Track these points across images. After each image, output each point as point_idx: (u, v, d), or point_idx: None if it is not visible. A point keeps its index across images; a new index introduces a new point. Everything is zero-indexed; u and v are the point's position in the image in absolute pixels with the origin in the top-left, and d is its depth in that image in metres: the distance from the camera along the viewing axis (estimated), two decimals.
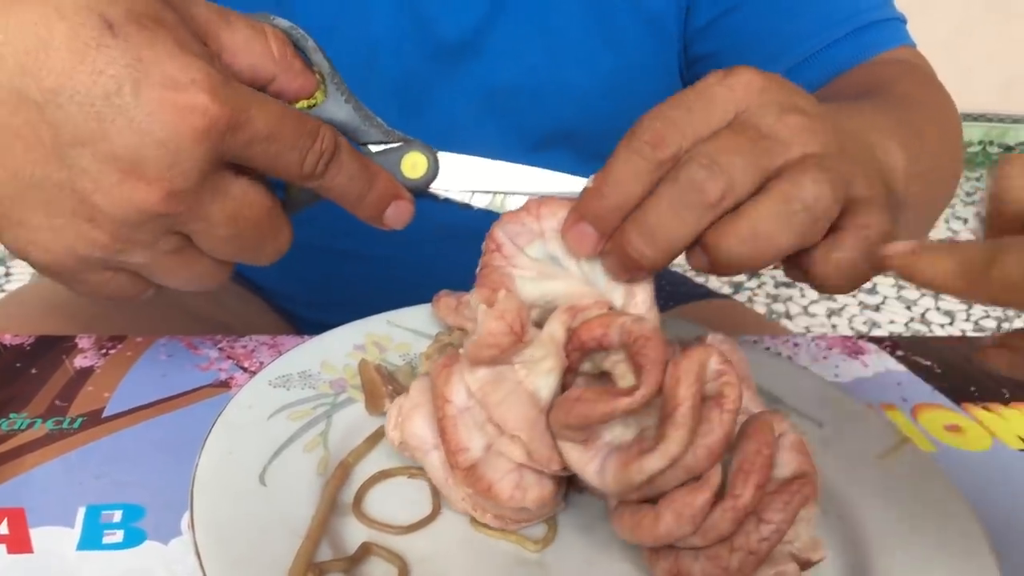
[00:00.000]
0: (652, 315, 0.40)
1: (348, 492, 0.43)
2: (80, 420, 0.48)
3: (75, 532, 0.41)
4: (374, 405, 0.47)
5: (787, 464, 0.37)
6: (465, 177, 0.45)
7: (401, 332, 0.54)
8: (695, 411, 0.35)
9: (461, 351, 0.39)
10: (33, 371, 0.51)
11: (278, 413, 0.45)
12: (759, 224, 0.37)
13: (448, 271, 0.54)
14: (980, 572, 0.41)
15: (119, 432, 0.47)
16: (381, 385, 0.47)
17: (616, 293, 0.41)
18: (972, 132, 3.39)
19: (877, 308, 2.30)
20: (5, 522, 0.41)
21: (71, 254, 0.38)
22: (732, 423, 0.35)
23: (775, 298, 2.28)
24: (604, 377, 0.39)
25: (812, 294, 2.32)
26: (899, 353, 0.65)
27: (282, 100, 0.42)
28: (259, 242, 0.41)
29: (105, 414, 0.48)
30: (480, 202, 0.45)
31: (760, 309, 2.22)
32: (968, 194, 3.15)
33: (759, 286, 2.32)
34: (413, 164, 0.44)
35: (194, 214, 0.38)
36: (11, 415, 0.47)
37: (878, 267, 0.37)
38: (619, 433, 0.38)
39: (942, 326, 2.25)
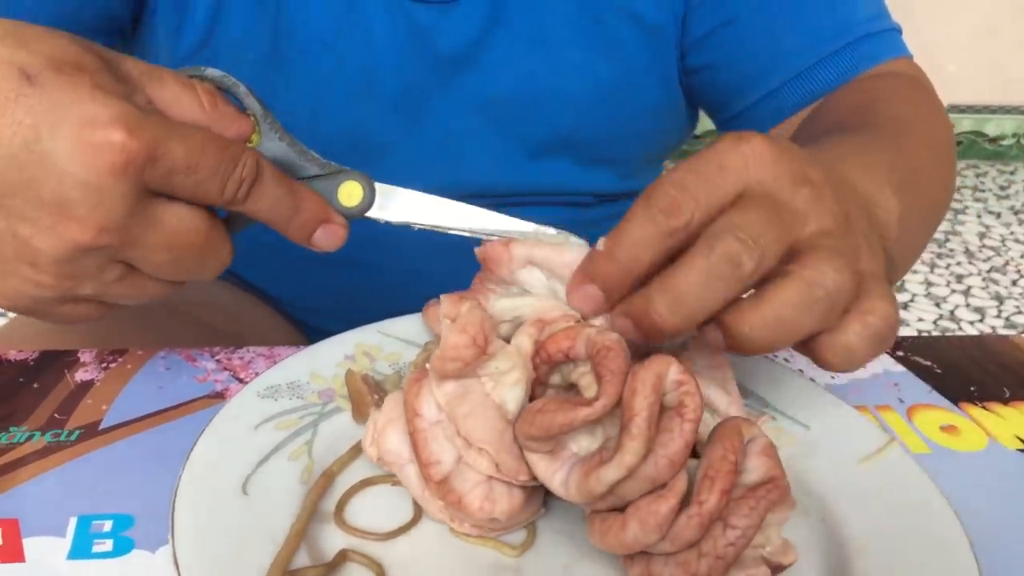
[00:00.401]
0: None
1: (331, 500, 0.44)
2: (77, 432, 0.49)
3: (66, 541, 0.42)
4: (361, 414, 0.48)
5: (756, 469, 0.37)
6: (402, 209, 0.46)
7: (391, 341, 0.55)
8: (651, 422, 0.35)
9: (427, 366, 0.40)
10: (35, 385, 0.53)
11: (265, 423, 0.46)
12: (783, 311, 0.37)
13: (453, 279, 0.55)
14: (961, 573, 0.41)
15: (114, 444, 0.49)
16: (367, 395, 0.48)
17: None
18: (1005, 125, 3.34)
19: (905, 306, 2.28)
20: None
21: (23, 296, 0.41)
22: (693, 433, 0.35)
23: None
24: (573, 389, 0.40)
25: None
26: (899, 354, 0.65)
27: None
28: (199, 262, 0.42)
29: (102, 426, 0.50)
30: (420, 224, 0.47)
31: None
32: (1002, 188, 3.10)
33: None
34: (349, 193, 0.46)
35: (130, 244, 0.40)
36: (11, 429, 0.49)
37: (879, 353, 0.39)
38: (585, 444, 0.38)
39: (972, 323, 2.22)
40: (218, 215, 0.44)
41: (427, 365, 0.41)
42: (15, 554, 0.41)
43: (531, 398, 0.40)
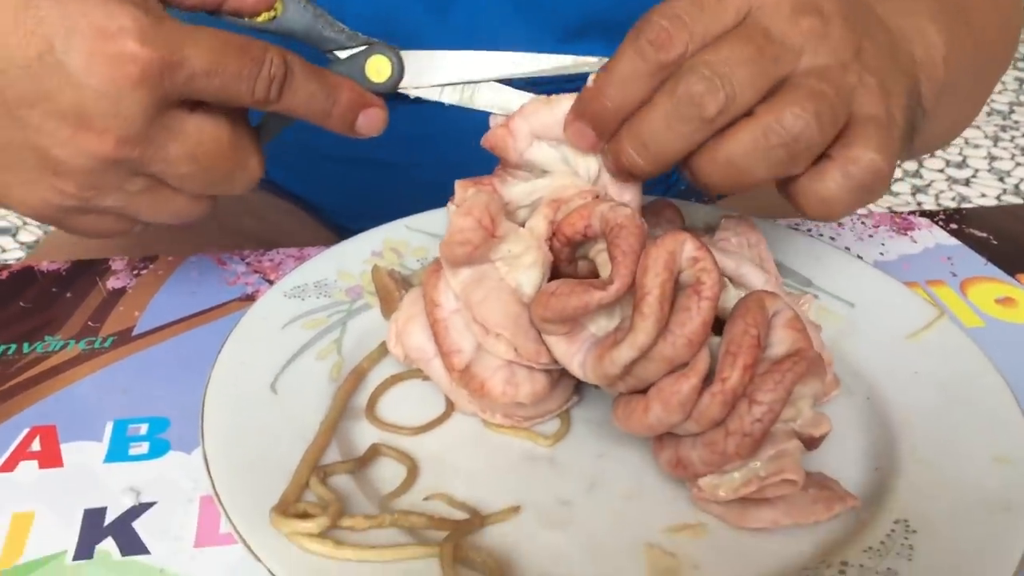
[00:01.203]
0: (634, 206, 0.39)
1: (362, 397, 0.43)
2: (111, 339, 0.49)
3: (103, 445, 0.42)
4: (389, 310, 0.47)
5: (781, 342, 0.35)
6: (432, 73, 0.44)
7: (419, 236, 0.54)
8: (663, 300, 0.33)
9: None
10: (68, 295, 0.53)
11: (292, 323, 0.46)
12: (735, 155, 0.36)
13: (488, 170, 0.53)
14: (1014, 445, 0.39)
15: (147, 349, 0.49)
16: (395, 290, 0.47)
17: (611, 187, 0.40)
18: None
19: (967, 182, 2.20)
20: (37, 439, 0.42)
21: (47, 205, 0.40)
22: (711, 311, 0.34)
23: None
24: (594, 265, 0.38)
25: (896, 172, 2.23)
26: (952, 226, 0.62)
27: (243, 18, 0.42)
28: (226, 174, 0.41)
29: (135, 332, 0.50)
30: (450, 98, 0.44)
31: None
32: None
33: None
34: (377, 68, 0.43)
35: (152, 156, 0.39)
36: (45, 338, 0.49)
37: (864, 204, 0.37)
38: (604, 324, 0.37)
39: None
40: (247, 125, 0.42)
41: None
42: (53, 459, 0.41)
43: (556, 278, 0.39)
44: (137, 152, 0.38)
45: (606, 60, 0.41)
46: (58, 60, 0.36)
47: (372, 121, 0.43)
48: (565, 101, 0.39)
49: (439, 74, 0.44)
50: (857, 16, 0.38)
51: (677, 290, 0.35)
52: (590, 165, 0.40)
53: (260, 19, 0.42)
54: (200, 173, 0.40)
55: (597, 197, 0.39)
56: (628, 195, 0.40)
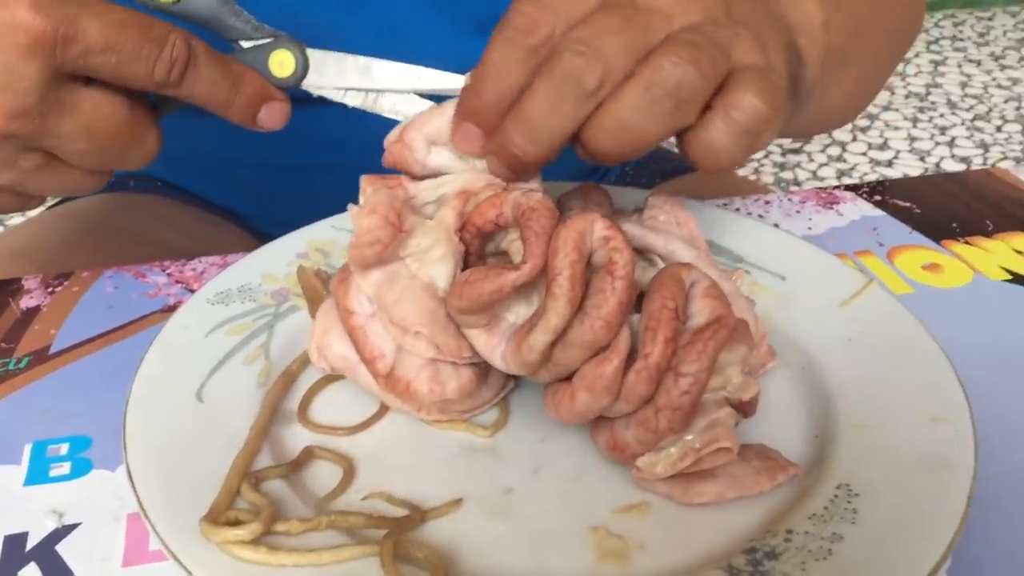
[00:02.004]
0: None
1: (293, 400, 0.42)
2: (26, 360, 0.47)
3: (22, 468, 0.40)
4: (317, 311, 0.46)
5: (701, 312, 0.35)
6: (336, 75, 0.43)
7: (346, 235, 0.52)
8: (573, 281, 0.33)
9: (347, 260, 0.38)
10: None
11: (217, 329, 0.44)
12: (623, 115, 0.35)
13: None
14: (947, 405, 0.39)
15: (65, 368, 0.47)
16: (322, 290, 0.46)
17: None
18: None
19: (890, 163, 2.25)
20: None
21: None
22: (626, 290, 0.33)
23: (782, 166, 2.24)
24: (507, 258, 0.38)
25: (820, 158, 2.27)
26: (876, 198, 0.63)
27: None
28: (123, 150, 0.39)
29: (51, 351, 0.48)
30: (353, 100, 0.44)
31: (768, 179, 2.18)
32: (981, 35, 3.04)
33: (766, 155, 2.28)
34: (281, 63, 0.42)
35: (45, 131, 0.37)
36: None
37: (751, 150, 0.36)
38: (522, 313, 0.36)
39: None
40: (144, 100, 0.40)
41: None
42: None
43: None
44: (30, 127, 0.37)
45: None
46: None
47: (274, 115, 0.42)
48: (453, 104, 0.39)
49: (343, 77, 0.43)
50: None
51: (591, 272, 0.34)
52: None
53: (166, 0, 0.41)
54: (96, 149, 0.39)
55: (506, 189, 0.38)
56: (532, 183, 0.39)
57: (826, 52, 0.46)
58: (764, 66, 0.37)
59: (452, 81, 0.42)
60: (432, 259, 0.37)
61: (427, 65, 0.69)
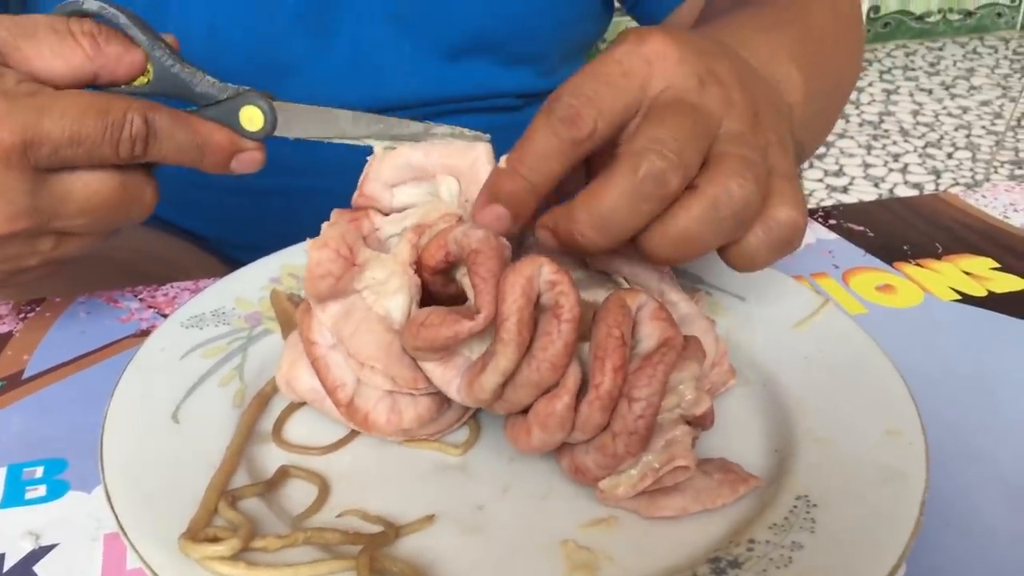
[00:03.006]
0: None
1: (268, 421, 0.43)
2: (0, 385, 0.47)
3: None
4: (286, 340, 0.47)
5: (651, 335, 0.36)
6: (303, 127, 0.45)
7: None
8: (520, 327, 0.34)
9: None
10: None
11: (191, 352, 0.45)
12: (689, 227, 0.37)
13: None
14: (901, 419, 0.41)
15: (39, 392, 0.47)
16: (294, 313, 0.46)
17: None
18: (931, 1, 3.35)
19: (845, 189, 2.30)
20: None
21: None
22: (572, 332, 0.34)
23: None
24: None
25: None
26: (832, 222, 0.65)
27: (120, 86, 0.43)
28: (123, 213, 0.43)
29: (24, 376, 0.48)
30: (336, 139, 0.45)
31: None
32: (932, 64, 3.12)
33: None
34: (250, 118, 0.44)
35: (48, 220, 0.41)
36: None
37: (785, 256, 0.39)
38: (478, 348, 0.37)
39: None
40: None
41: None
42: None
43: (431, 303, 0.39)
44: (32, 223, 0.40)
45: (456, 129, 0.43)
46: None
47: (245, 163, 0.45)
48: (402, 148, 0.42)
49: (309, 128, 0.45)
50: (744, 76, 0.40)
51: (539, 312, 0.36)
52: (451, 187, 0.41)
53: (137, 84, 0.43)
54: (99, 219, 0.42)
55: (460, 219, 0.39)
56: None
57: (802, 125, 0.49)
58: (791, 174, 0.39)
59: (416, 128, 0.44)
60: (388, 292, 0.38)
61: (397, 91, 0.70)
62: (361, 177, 0.43)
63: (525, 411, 0.36)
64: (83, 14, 0.43)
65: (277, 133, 0.45)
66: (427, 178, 0.42)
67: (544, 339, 0.34)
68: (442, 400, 0.40)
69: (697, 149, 0.37)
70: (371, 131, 0.44)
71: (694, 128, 0.37)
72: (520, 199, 0.38)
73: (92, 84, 0.43)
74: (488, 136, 0.44)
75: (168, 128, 0.42)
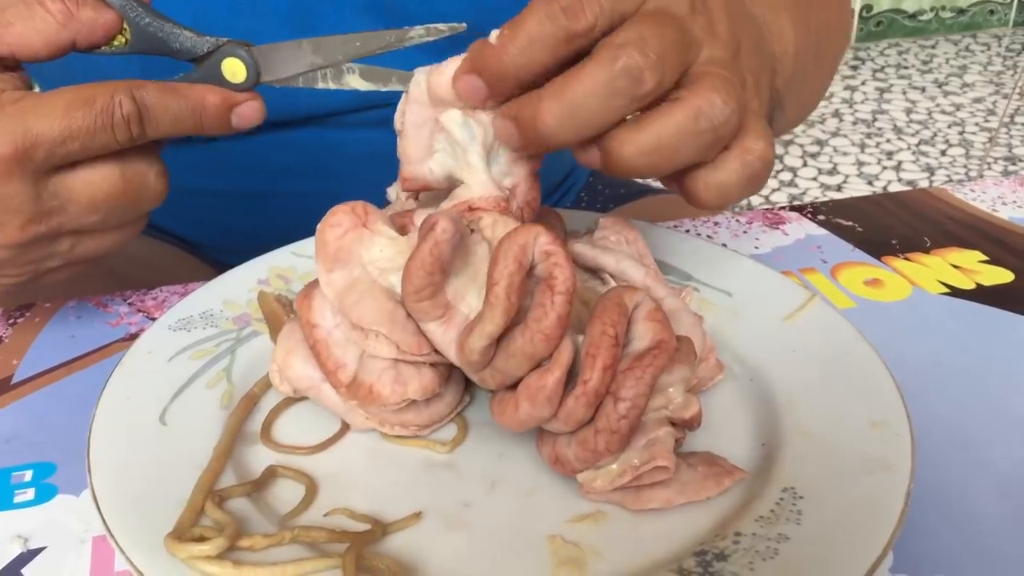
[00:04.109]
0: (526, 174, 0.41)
1: (256, 422, 0.43)
2: None
3: None
4: (278, 335, 0.47)
5: (644, 336, 0.36)
6: (286, 65, 0.44)
7: (305, 262, 0.53)
8: (509, 291, 0.34)
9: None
10: None
11: (179, 354, 0.45)
12: (665, 137, 0.36)
13: (369, 198, 0.54)
14: (887, 410, 0.41)
15: (28, 396, 0.47)
16: (283, 314, 0.46)
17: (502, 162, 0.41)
18: (922, 0, 3.36)
19: (839, 188, 2.30)
20: None
21: (4, 289, 0.44)
22: (565, 305, 0.34)
23: None
24: None
25: (772, 183, 2.32)
26: (820, 218, 0.65)
27: (100, 49, 0.43)
28: (134, 202, 0.43)
29: (14, 381, 0.48)
30: (320, 83, 0.44)
31: None
32: (924, 63, 3.13)
33: None
34: (233, 71, 0.43)
35: (60, 222, 0.41)
36: None
37: (753, 193, 0.38)
38: (475, 305, 0.37)
39: None
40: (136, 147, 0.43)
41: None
42: None
43: None
44: (43, 227, 0.41)
45: (431, 27, 0.42)
46: None
47: (245, 115, 0.44)
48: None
49: (294, 64, 0.44)
50: (736, 15, 0.40)
51: (534, 282, 0.36)
52: (457, 121, 0.40)
53: (116, 45, 0.43)
54: (110, 214, 0.42)
55: (505, 207, 0.40)
56: (521, 169, 0.41)
57: (790, 79, 0.48)
58: (761, 111, 0.39)
59: (389, 37, 0.43)
60: (392, 268, 0.39)
61: None
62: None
63: (515, 388, 0.36)
64: None
65: (263, 79, 0.44)
66: (437, 128, 0.41)
67: (538, 310, 0.34)
68: (444, 374, 0.41)
69: (677, 58, 0.36)
70: (348, 51, 0.43)
71: (677, 38, 0.36)
72: (501, 78, 0.36)
73: (71, 51, 0.42)
74: (464, 25, 0.42)
75: (159, 101, 0.41)
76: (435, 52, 0.43)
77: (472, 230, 0.38)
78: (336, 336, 0.39)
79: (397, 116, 0.42)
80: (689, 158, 0.37)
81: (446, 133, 0.40)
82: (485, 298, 0.34)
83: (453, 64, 0.39)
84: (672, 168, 0.37)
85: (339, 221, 0.38)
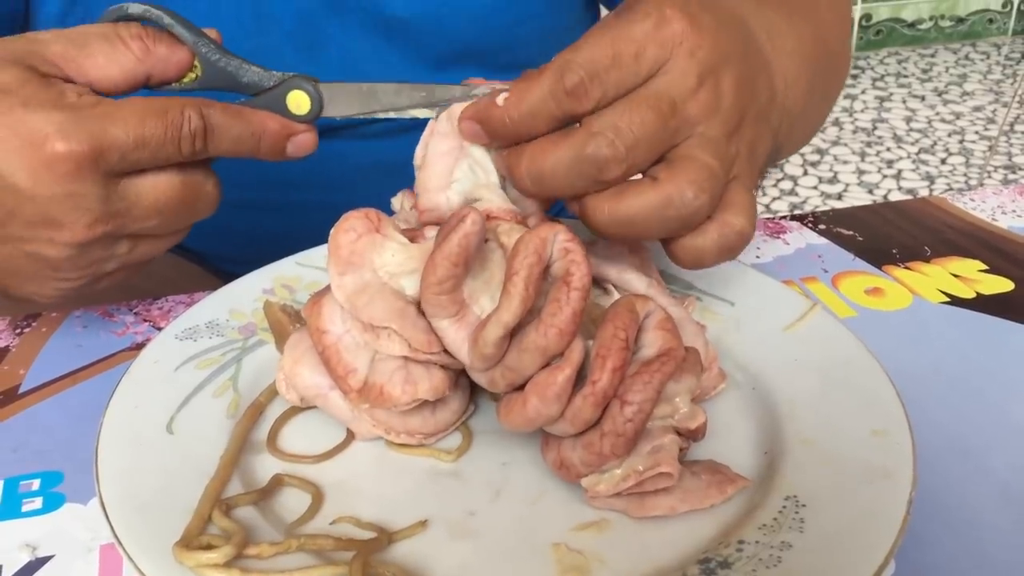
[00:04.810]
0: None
1: (262, 431, 0.43)
2: None
3: None
4: (284, 344, 0.47)
5: (652, 343, 0.37)
6: (350, 102, 0.46)
7: (310, 271, 0.54)
8: (528, 282, 0.35)
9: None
10: None
11: (186, 364, 0.46)
12: (636, 216, 0.38)
13: (373, 207, 0.54)
14: (888, 419, 0.41)
15: (35, 406, 0.47)
16: (288, 324, 0.47)
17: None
18: (921, 9, 3.37)
19: (839, 196, 2.31)
20: None
21: (60, 292, 0.45)
22: (580, 301, 0.35)
23: None
24: None
25: (772, 192, 2.32)
26: (821, 227, 0.65)
27: (171, 85, 0.45)
28: (191, 210, 0.45)
29: (21, 390, 0.49)
30: (384, 114, 0.46)
31: None
32: (924, 71, 3.14)
33: None
34: (297, 103, 0.45)
35: (123, 224, 0.43)
36: None
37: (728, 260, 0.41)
38: (488, 307, 0.38)
39: None
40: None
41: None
42: None
43: None
44: (109, 227, 0.42)
45: (491, 83, 0.44)
46: (7, 182, 0.40)
47: (300, 145, 0.46)
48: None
49: (353, 105, 0.46)
50: (745, 80, 0.41)
51: (549, 282, 0.36)
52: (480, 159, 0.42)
53: (187, 81, 0.45)
54: (169, 219, 0.44)
55: (523, 220, 0.41)
56: (531, 204, 0.43)
57: (796, 120, 0.49)
58: (751, 185, 0.41)
59: (455, 91, 0.44)
60: (403, 273, 0.39)
61: None
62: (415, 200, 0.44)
63: (522, 389, 0.37)
64: (128, 18, 0.44)
65: (324, 114, 0.46)
66: (462, 154, 0.43)
67: (553, 305, 0.35)
68: (453, 377, 0.41)
69: (653, 145, 0.38)
70: (414, 100, 0.45)
71: (661, 126, 0.38)
72: (500, 135, 0.40)
73: (145, 85, 0.45)
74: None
75: (223, 121, 0.43)
76: None
77: (487, 239, 0.39)
78: (346, 341, 0.40)
79: (418, 151, 0.43)
80: (659, 235, 0.39)
81: (471, 158, 0.41)
82: (503, 289, 0.35)
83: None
84: (642, 239, 0.41)
85: (352, 226, 0.39)
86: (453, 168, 0.42)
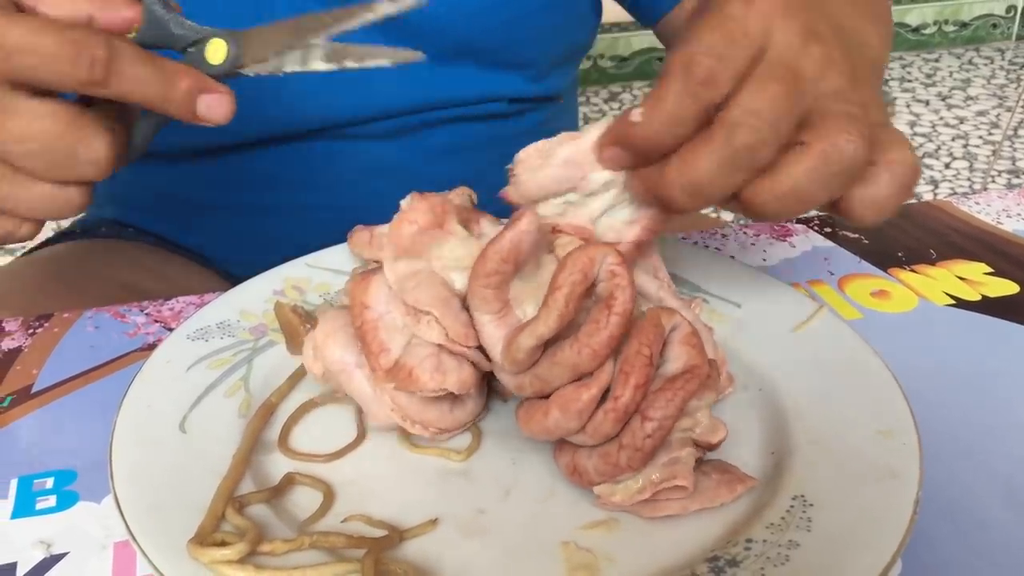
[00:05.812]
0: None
1: (273, 431, 0.44)
2: (9, 399, 0.48)
3: (8, 502, 0.42)
4: (295, 345, 0.48)
5: (677, 358, 0.37)
6: (268, 43, 0.43)
7: (320, 273, 0.54)
8: (569, 298, 0.35)
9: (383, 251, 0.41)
10: None
11: (197, 364, 0.46)
12: (798, 184, 0.37)
13: (377, 210, 0.54)
14: (895, 419, 0.42)
15: (49, 405, 0.48)
16: (299, 325, 0.47)
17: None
18: (926, 13, 3.37)
19: None
20: None
21: None
22: (620, 327, 0.35)
23: None
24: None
25: None
26: (827, 230, 0.66)
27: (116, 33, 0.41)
28: (68, 153, 0.40)
29: (34, 390, 0.49)
30: (291, 66, 0.43)
31: (728, 216, 2.22)
32: (928, 76, 3.14)
33: None
34: (215, 51, 0.43)
35: None
36: None
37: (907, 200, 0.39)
38: (530, 313, 0.38)
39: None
40: (104, 112, 0.42)
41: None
42: None
43: None
44: None
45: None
46: None
47: (213, 106, 0.42)
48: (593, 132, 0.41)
49: (270, 44, 0.43)
50: (842, 33, 0.41)
51: (592, 300, 0.36)
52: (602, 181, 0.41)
53: (131, 35, 0.42)
54: (43, 152, 0.40)
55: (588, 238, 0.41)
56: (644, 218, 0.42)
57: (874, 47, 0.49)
58: (887, 121, 0.40)
59: (369, 13, 0.42)
60: (458, 268, 0.40)
61: (385, 97, 0.71)
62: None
63: (545, 397, 0.37)
64: None
65: (245, 62, 0.43)
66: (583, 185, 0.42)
67: (591, 326, 0.35)
68: (479, 379, 0.41)
69: (791, 117, 0.37)
70: (319, 27, 0.43)
71: (791, 98, 0.37)
72: (646, 154, 0.38)
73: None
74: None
75: (131, 56, 0.40)
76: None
77: (551, 250, 0.39)
78: (386, 320, 0.40)
79: (536, 144, 0.42)
80: (825, 198, 0.38)
81: (582, 192, 0.41)
82: (544, 301, 0.35)
83: (594, 132, 0.40)
84: (812, 207, 0.39)
85: (415, 218, 0.39)
86: (555, 192, 0.41)
